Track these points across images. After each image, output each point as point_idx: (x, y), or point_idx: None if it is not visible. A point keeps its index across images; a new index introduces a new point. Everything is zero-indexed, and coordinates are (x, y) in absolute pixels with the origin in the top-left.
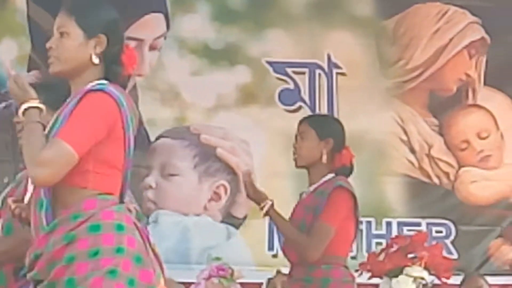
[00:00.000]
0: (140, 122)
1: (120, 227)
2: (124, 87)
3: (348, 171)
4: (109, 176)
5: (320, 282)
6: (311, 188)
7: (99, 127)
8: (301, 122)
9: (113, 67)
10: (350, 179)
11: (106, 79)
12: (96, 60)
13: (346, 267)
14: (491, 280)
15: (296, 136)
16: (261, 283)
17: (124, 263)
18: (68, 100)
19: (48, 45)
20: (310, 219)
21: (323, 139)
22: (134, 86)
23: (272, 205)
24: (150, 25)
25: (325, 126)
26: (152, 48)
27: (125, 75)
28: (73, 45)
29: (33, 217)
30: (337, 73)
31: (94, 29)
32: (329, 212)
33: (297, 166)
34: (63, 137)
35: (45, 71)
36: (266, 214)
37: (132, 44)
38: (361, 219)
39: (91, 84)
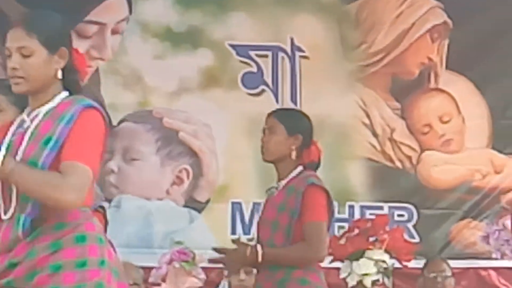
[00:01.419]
0: (102, 106)
1: (101, 240)
2: (80, 92)
3: (315, 166)
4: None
5: (284, 269)
6: (281, 185)
7: (101, 145)
8: (269, 115)
9: (71, 76)
10: None
11: (66, 89)
12: (60, 75)
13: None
14: (453, 263)
15: (264, 130)
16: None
17: (108, 276)
18: (43, 115)
19: (11, 65)
20: (285, 220)
21: (292, 135)
22: (97, 70)
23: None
24: (112, 9)
25: (294, 122)
26: (114, 32)
27: (81, 81)
28: (38, 63)
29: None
30: (300, 57)
31: (56, 44)
32: (310, 209)
33: (264, 160)
34: (79, 159)
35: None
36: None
37: (94, 28)
38: None
39: (66, 98)
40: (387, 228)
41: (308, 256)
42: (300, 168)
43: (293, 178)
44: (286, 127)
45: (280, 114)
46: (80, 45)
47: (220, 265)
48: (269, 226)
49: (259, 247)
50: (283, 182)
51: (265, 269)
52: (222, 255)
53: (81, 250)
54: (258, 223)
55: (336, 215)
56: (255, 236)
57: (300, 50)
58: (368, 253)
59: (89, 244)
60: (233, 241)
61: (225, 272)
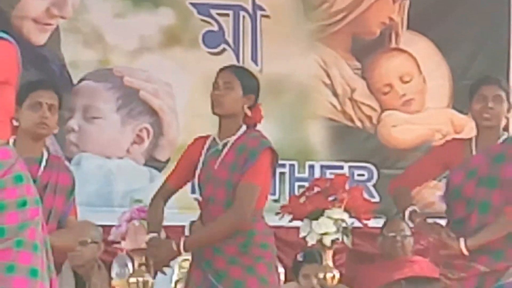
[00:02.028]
0: (63, 65)
1: (29, 179)
2: None
3: (255, 126)
4: (3, 123)
5: (246, 234)
6: (228, 143)
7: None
8: (225, 70)
9: None
10: (273, 123)
11: None
12: None
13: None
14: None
15: (217, 84)
16: (184, 226)
17: (40, 213)
18: None
19: None
20: (237, 179)
21: (247, 94)
22: (57, 28)
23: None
24: None
25: (250, 81)
26: None
27: None
28: None
29: None
30: (261, 16)
31: None
32: (256, 171)
33: (215, 113)
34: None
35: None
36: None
37: None
38: (284, 162)
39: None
40: (347, 187)
41: (232, 221)
42: (244, 126)
43: (241, 136)
44: (243, 85)
45: (238, 71)
46: (40, 3)
47: (181, 223)
48: (223, 185)
49: (182, 239)
50: (230, 140)
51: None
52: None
53: (21, 190)
54: (205, 180)
55: (296, 174)
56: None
57: (261, 9)
58: (328, 212)
59: (26, 184)
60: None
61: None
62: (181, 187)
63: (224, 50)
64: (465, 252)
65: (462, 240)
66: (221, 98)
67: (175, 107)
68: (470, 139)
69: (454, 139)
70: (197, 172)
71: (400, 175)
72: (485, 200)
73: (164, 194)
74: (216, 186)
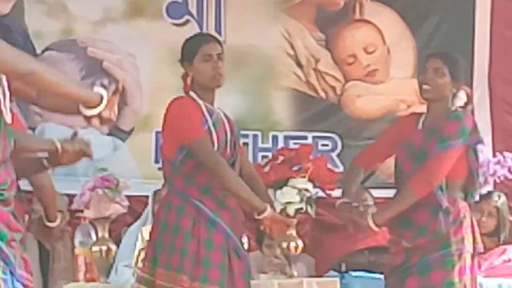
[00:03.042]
0: (26, 35)
1: None
2: None
3: None
4: None
5: None
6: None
7: None
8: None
9: None
10: (237, 93)
11: None
12: None
13: None
14: (376, 193)
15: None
16: (147, 196)
17: None
18: None
19: None
20: None
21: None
22: None
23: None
24: None
25: None
26: None
27: None
28: None
29: None
30: None
31: None
32: None
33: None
34: None
35: None
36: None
37: None
38: (248, 132)
39: None
40: (311, 157)
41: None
42: None
43: None
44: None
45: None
46: None
47: (145, 193)
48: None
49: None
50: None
51: None
52: None
53: None
54: (224, 147)
55: (260, 144)
56: None
57: None
58: (292, 182)
59: None
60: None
61: None
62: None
63: (187, 21)
64: (374, 227)
65: (369, 217)
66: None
67: (138, 78)
68: (420, 115)
69: (406, 116)
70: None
71: (361, 153)
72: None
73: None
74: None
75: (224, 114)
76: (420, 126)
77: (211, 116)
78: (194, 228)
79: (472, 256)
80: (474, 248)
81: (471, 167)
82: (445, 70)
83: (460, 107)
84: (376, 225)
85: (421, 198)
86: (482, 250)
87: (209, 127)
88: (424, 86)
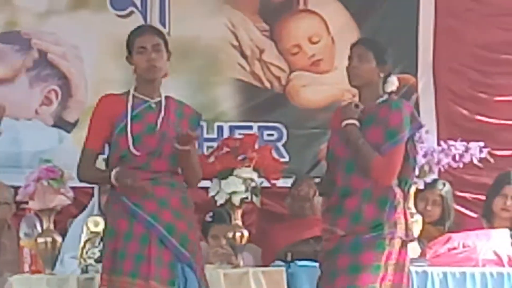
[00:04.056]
0: None
1: None
2: None
3: None
4: None
5: (185, 188)
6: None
7: None
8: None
9: None
10: (182, 85)
11: None
12: None
13: None
14: None
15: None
16: (93, 187)
17: None
18: None
19: None
20: None
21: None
22: None
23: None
24: None
25: None
26: None
27: None
28: None
29: None
30: None
31: None
32: None
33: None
34: None
35: None
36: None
37: None
38: None
39: None
40: (256, 147)
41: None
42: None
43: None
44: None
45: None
46: None
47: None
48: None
49: None
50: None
51: None
52: None
53: None
54: (148, 136)
55: (205, 135)
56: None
57: None
58: (237, 171)
59: None
60: None
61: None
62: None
63: (132, 12)
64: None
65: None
66: (157, 62)
67: (83, 69)
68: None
69: (340, 106)
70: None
71: None
72: (351, 160)
73: (90, 159)
74: (167, 141)
75: (167, 104)
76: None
77: (135, 108)
78: (116, 224)
79: (402, 242)
80: (406, 235)
81: (409, 154)
82: (370, 56)
83: (392, 92)
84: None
85: (354, 184)
86: (413, 238)
87: (127, 121)
88: (350, 74)
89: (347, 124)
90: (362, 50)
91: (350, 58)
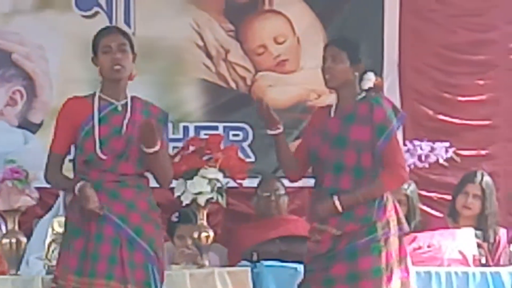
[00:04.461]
0: None
1: None
2: None
3: None
4: None
5: (150, 190)
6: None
7: None
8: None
9: None
10: (147, 85)
11: None
12: None
13: None
14: (287, 182)
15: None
16: None
17: None
18: None
19: None
20: None
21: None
22: None
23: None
24: None
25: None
26: None
27: None
28: None
29: None
30: None
31: None
32: None
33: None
34: None
35: None
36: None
37: None
38: None
39: None
40: (222, 147)
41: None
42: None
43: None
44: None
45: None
46: None
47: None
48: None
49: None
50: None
51: None
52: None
53: None
54: (114, 139)
55: (171, 136)
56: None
57: None
58: (202, 172)
59: None
60: None
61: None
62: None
63: (97, 13)
64: (339, 208)
65: (336, 198)
66: (122, 62)
67: (48, 70)
68: (331, 105)
69: (320, 107)
70: (96, 127)
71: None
72: (338, 161)
73: (56, 163)
74: (131, 144)
75: (133, 105)
76: (332, 114)
77: (101, 110)
78: (85, 225)
79: (399, 237)
80: (400, 229)
81: None
82: (343, 56)
83: (370, 88)
84: (342, 207)
85: (344, 184)
86: (407, 230)
87: (93, 124)
88: (326, 76)
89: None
90: (335, 51)
91: (324, 59)
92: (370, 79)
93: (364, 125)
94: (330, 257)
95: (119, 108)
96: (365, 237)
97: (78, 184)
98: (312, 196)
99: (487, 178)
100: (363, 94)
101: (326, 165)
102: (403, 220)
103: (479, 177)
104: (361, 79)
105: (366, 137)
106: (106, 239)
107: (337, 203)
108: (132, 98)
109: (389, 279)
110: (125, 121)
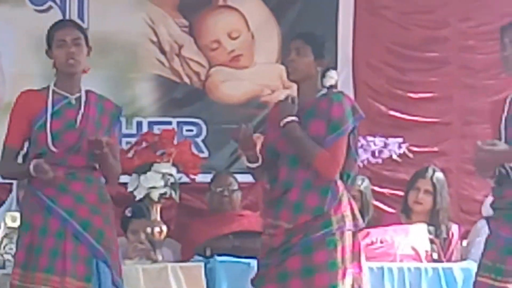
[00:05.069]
0: None
1: None
2: None
3: None
4: None
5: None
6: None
7: None
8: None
9: None
10: (101, 80)
11: None
12: None
13: None
14: (240, 177)
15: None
16: (11, 183)
17: None
18: None
19: None
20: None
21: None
22: None
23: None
24: None
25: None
26: None
27: None
28: None
29: None
30: None
31: None
32: None
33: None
34: None
35: None
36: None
37: None
38: None
39: None
40: (175, 142)
41: None
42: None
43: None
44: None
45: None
46: None
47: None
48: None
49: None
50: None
51: None
52: None
53: None
54: (68, 133)
55: (124, 131)
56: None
57: None
58: (156, 166)
59: None
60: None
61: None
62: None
63: (50, 7)
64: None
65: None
66: (77, 56)
67: (1, 64)
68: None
69: (280, 101)
70: (48, 121)
71: None
72: (294, 155)
73: (11, 157)
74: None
75: (88, 99)
76: (295, 108)
77: (55, 104)
78: (32, 218)
79: (354, 233)
80: (355, 225)
81: (351, 147)
82: (308, 50)
83: (332, 86)
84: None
85: (295, 176)
86: (362, 226)
87: (46, 118)
88: (288, 68)
89: (287, 122)
90: (300, 44)
91: (288, 52)
92: (332, 77)
93: (321, 119)
94: (284, 251)
95: (73, 102)
96: (320, 230)
97: (32, 162)
98: (265, 191)
99: (438, 174)
100: (324, 91)
101: (282, 159)
102: (358, 216)
103: (430, 173)
104: (323, 76)
105: (322, 132)
106: (50, 233)
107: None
108: (87, 92)
109: (344, 273)
110: (79, 116)
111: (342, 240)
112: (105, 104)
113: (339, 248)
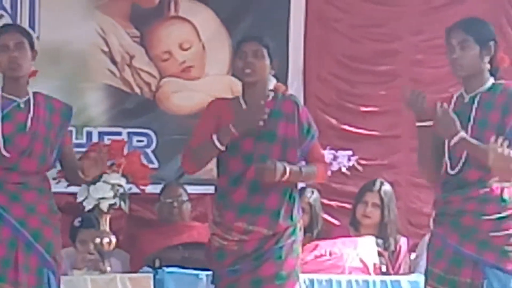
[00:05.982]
0: None
1: None
2: None
3: None
4: None
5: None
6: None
7: None
8: None
9: None
10: (51, 89)
11: None
12: None
13: None
14: (190, 189)
15: None
16: None
17: None
18: None
19: None
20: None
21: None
22: None
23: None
24: None
25: None
26: None
27: None
28: None
29: None
30: None
31: None
32: None
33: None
34: None
35: None
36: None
37: None
38: None
39: None
40: (125, 152)
41: None
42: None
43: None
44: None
45: None
46: None
47: None
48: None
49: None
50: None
51: None
52: None
53: None
54: (19, 136)
55: (74, 141)
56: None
57: None
58: (105, 177)
59: None
60: None
61: None
62: None
63: (1, 16)
64: (288, 171)
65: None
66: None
67: None
68: (237, 97)
69: (217, 99)
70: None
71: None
72: (264, 154)
73: None
74: (38, 141)
75: (36, 101)
76: (244, 107)
77: (4, 108)
78: None
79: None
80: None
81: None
82: (264, 52)
83: (273, 90)
84: (290, 172)
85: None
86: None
87: None
88: (246, 70)
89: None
90: (256, 46)
91: (243, 54)
92: (271, 80)
93: (291, 122)
94: (257, 257)
95: (22, 105)
96: (291, 237)
97: None
98: (222, 187)
99: (385, 187)
100: (272, 93)
101: (248, 158)
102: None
103: (377, 186)
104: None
105: (295, 134)
106: (2, 242)
107: (288, 168)
108: (34, 94)
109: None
110: (29, 118)
111: (299, 248)
112: (54, 103)
113: (300, 256)
